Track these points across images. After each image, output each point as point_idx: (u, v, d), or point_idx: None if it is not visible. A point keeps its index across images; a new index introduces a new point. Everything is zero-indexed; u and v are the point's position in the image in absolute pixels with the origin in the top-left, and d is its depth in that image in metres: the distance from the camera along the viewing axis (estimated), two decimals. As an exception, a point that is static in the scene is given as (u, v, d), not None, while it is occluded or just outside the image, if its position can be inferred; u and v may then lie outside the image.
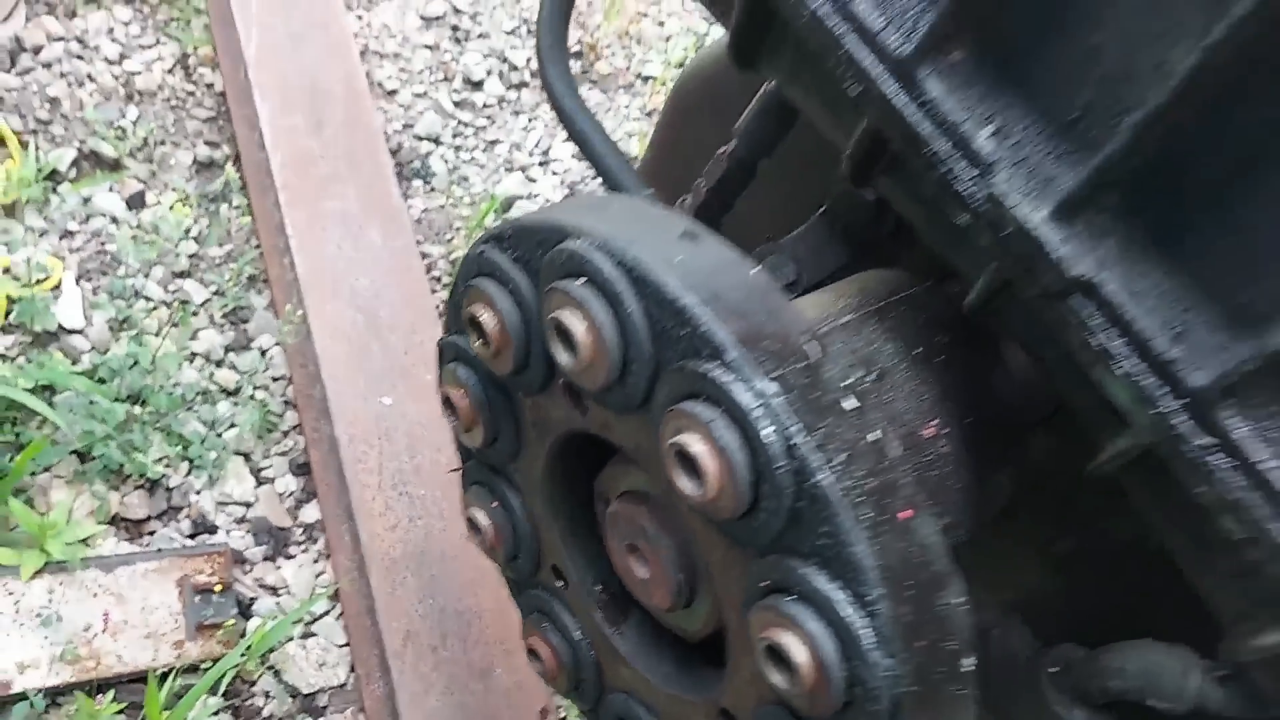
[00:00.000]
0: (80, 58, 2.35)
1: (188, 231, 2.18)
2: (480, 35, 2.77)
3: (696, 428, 0.75)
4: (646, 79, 2.89)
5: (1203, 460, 0.75)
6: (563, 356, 0.85)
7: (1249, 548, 0.76)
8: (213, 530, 1.90)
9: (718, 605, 0.91)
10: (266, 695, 1.79)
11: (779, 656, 0.77)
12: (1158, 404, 0.77)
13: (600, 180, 1.50)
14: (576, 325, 0.81)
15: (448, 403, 1.07)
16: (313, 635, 1.86)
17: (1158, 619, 1.06)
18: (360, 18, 2.68)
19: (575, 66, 2.84)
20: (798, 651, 0.75)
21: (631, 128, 2.78)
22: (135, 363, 1.89)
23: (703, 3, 1.08)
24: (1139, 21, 0.72)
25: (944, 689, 0.75)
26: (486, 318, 0.93)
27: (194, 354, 2.05)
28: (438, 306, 2.11)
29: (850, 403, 0.74)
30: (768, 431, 0.72)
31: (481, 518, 1.13)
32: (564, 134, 2.64)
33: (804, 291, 1.26)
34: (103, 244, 2.11)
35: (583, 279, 0.81)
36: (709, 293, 0.76)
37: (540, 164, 2.63)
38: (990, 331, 1.02)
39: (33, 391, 1.79)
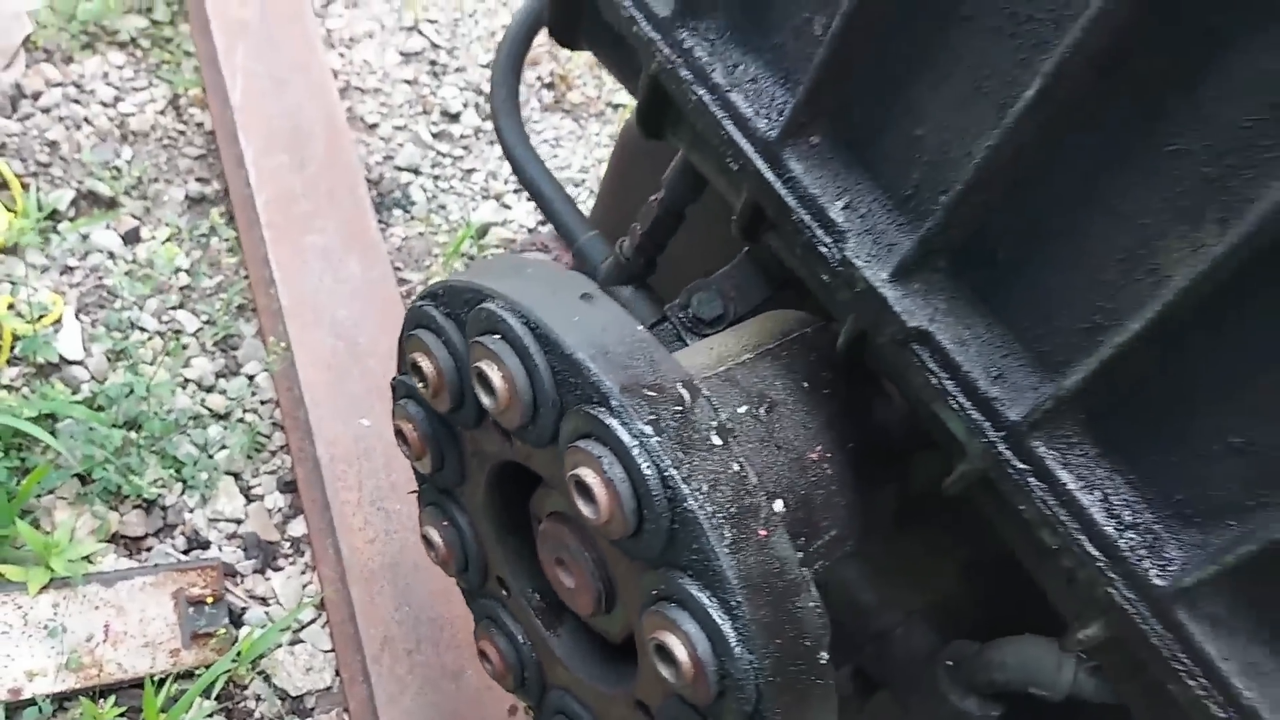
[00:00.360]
0: (77, 101, 2.50)
1: (180, 265, 2.33)
2: (457, 69, 2.92)
3: (590, 462, 0.89)
4: (617, 107, 3.03)
5: (1022, 483, 0.89)
6: (486, 400, 0.99)
7: (1063, 556, 0.90)
8: (206, 546, 2.05)
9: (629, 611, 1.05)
10: (258, 698, 1.93)
11: (666, 654, 0.91)
12: (984, 435, 0.90)
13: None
14: (494, 375, 0.95)
15: (400, 434, 1.21)
16: (300, 642, 2.00)
17: (1044, 617, 1.20)
18: (342, 55, 2.83)
19: (548, 96, 2.99)
20: (678, 649, 0.89)
21: (601, 154, 2.92)
22: (131, 391, 2.03)
23: (616, 78, 1.22)
24: (950, 119, 0.86)
25: (802, 679, 0.89)
26: (425, 364, 1.07)
27: (186, 380, 2.20)
28: (414, 332, 2.26)
29: (716, 439, 0.88)
30: (645, 466, 0.86)
31: (435, 535, 1.27)
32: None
33: (732, 322, 1.40)
34: (100, 279, 2.26)
35: (498, 335, 0.95)
36: (599, 348, 0.90)
37: (515, 191, 2.77)
38: (871, 367, 1.16)
39: (36, 420, 1.94)
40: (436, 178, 2.73)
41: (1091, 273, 0.81)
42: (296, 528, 2.12)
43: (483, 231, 2.62)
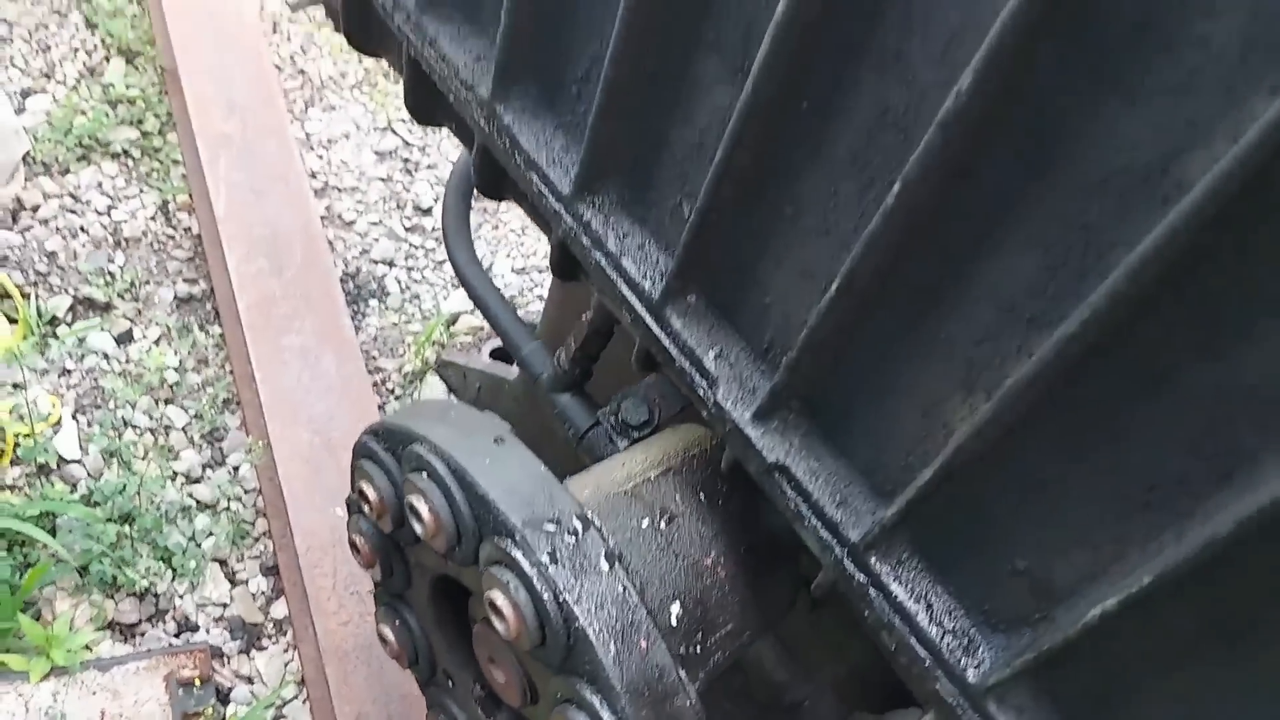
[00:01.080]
0: (73, 211, 2.70)
1: (169, 363, 2.50)
2: (428, 166, 3.12)
3: (500, 586, 1.05)
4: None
5: (864, 592, 1.05)
6: (417, 527, 1.15)
7: (900, 654, 1.06)
8: (194, 629, 2.20)
9: (548, 704, 1.21)
10: (244, 773, 2.08)
11: (569, 746, 1.07)
12: (833, 551, 1.07)
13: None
14: (423, 508, 1.12)
15: (353, 545, 1.38)
16: (283, 718, 2.15)
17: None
18: (321, 156, 3.03)
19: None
20: (578, 743, 1.05)
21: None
22: (125, 487, 2.20)
23: (536, 226, 1.40)
24: (788, 294, 1.03)
25: (681, 767, 1.05)
26: (370, 491, 1.24)
27: (175, 473, 2.37)
28: (386, 422, 2.44)
29: (604, 565, 1.05)
30: (544, 591, 1.02)
31: (388, 633, 1.43)
32: (505, 250, 2.98)
33: (657, 426, 1.56)
34: (96, 380, 2.44)
35: (425, 474, 1.12)
36: (508, 487, 1.07)
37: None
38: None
39: (38, 518, 2.11)
40: (410, 269, 2.92)
41: (902, 424, 0.98)
42: (279, 609, 2.27)
43: (453, 320, 2.80)
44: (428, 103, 1.42)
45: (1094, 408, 0.81)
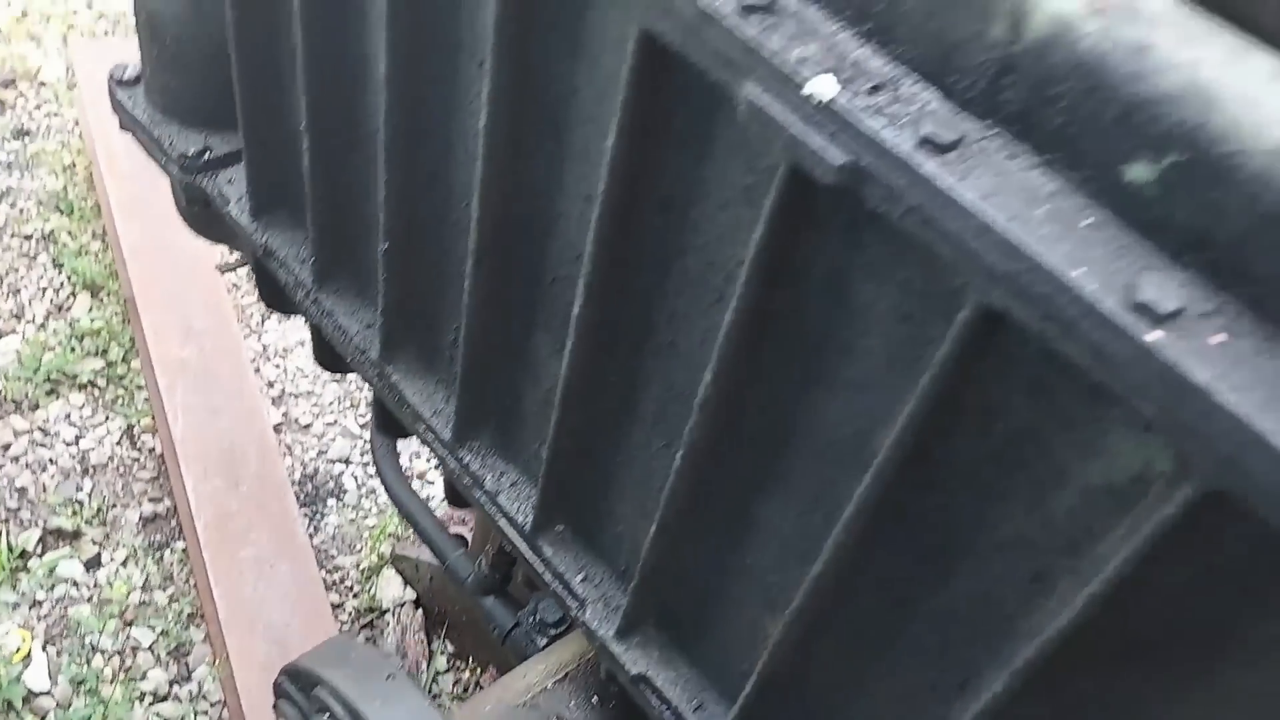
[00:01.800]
0: (43, 445, 2.86)
1: (135, 584, 2.62)
2: (378, 364, 3.31)
3: (398, 814, 1.17)
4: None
5: (729, 789, 1.17)
6: (326, 762, 1.28)
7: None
8: None
9: None
10: None
11: None
12: (697, 752, 1.19)
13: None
14: (327, 746, 1.25)
15: (286, 770, 1.49)
16: None
17: None
18: (278, 366, 3.22)
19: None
20: None
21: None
22: (91, 716, 2.29)
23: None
24: (633, 525, 1.19)
25: None
26: (288, 727, 1.37)
27: (143, 693, 2.46)
28: (341, 623, 2.54)
29: (491, 788, 1.17)
30: (434, 817, 1.14)
31: None
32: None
33: (573, 624, 1.69)
34: (65, 609, 2.55)
35: (327, 715, 1.25)
36: (397, 723, 1.20)
37: (436, 467, 3.10)
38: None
39: (7, 754, 2.19)
40: (365, 465, 3.07)
41: (734, 638, 1.12)
42: (246, 822, 2.33)
43: (407, 512, 2.94)
44: (332, 358, 1.61)
45: (860, 625, 0.95)
